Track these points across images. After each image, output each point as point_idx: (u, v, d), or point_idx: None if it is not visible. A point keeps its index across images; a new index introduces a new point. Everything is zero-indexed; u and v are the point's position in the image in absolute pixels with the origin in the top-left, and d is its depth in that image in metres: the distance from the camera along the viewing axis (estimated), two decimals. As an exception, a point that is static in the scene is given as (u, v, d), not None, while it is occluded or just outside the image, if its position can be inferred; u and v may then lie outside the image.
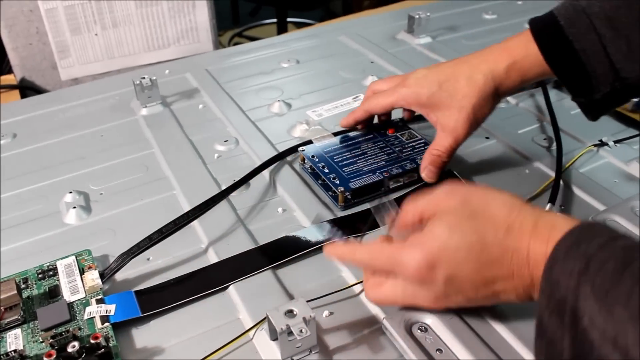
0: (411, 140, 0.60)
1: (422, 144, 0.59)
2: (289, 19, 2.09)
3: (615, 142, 0.62)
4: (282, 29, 2.01)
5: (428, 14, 0.90)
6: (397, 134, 0.61)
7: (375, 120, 0.63)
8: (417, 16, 0.89)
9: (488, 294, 0.38)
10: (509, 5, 1.04)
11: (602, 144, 0.62)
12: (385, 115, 0.62)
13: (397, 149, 0.59)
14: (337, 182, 0.54)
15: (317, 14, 2.38)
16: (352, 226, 0.52)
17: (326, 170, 0.56)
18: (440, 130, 0.54)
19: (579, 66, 0.47)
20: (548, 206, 0.52)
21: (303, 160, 0.59)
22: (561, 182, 0.57)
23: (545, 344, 0.33)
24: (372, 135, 0.61)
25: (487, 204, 0.39)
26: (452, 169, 0.58)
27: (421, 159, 0.56)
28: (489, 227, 0.37)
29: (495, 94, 0.52)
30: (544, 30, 0.49)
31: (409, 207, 0.42)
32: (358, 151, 0.59)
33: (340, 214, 0.54)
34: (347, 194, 0.53)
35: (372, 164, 0.57)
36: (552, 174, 0.58)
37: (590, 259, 0.31)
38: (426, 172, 0.54)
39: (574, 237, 0.33)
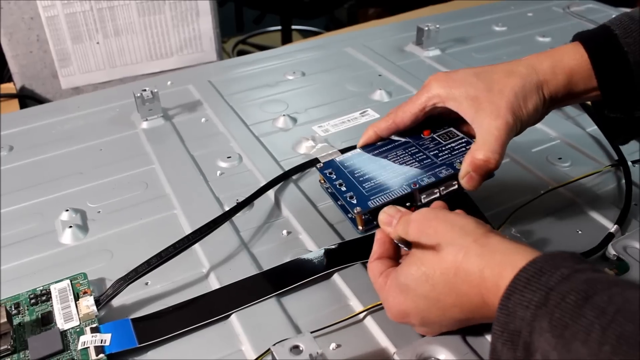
0: (450, 140, 0.50)
1: (464, 145, 0.49)
2: (293, 27, 2.08)
3: (633, 162, 0.60)
4: (286, 36, 2.00)
5: (437, 25, 0.88)
6: (434, 135, 0.51)
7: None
8: (426, 28, 0.87)
9: (467, 324, 0.39)
10: (520, 17, 1.01)
11: (619, 163, 0.60)
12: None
13: (432, 153, 0.49)
14: (354, 201, 0.46)
15: (322, 21, 2.36)
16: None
17: (343, 189, 0.47)
18: (480, 126, 0.45)
19: (626, 77, 0.44)
20: (614, 228, 0.51)
21: (323, 179, 0.51)
22: (577, 203, 0.55)
23: None
24: (403, 141, 0.51)
25: (437, 246, 0.38)
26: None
27: (461, 162, 0.46)
28: (438, 272, 0.37)
29: (540, 90, 0.45)
30: (594, 38, 0.46)
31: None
32: (385, 162, 0.49)
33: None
34: (365, 215, 0.46)
35: (399, 175, 0.47)
36: (568, 194, 0.56)
37: (551, 291, 0.30)
38: (467, 179, 0.45)
39: (537, 266, 0.32)
